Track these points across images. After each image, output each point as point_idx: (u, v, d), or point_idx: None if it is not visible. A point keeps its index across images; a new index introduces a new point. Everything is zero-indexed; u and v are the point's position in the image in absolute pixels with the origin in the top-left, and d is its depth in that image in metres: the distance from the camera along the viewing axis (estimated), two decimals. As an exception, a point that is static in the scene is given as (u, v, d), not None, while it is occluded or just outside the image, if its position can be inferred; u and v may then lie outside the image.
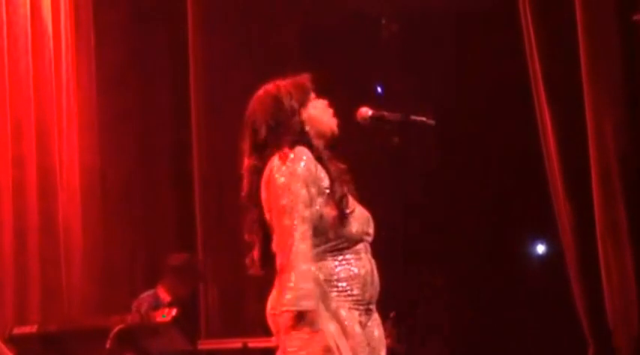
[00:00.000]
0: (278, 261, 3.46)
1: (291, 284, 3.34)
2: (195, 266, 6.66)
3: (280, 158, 3.49)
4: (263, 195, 3.55)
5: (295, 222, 3.39)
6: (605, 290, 5.42)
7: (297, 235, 3.38)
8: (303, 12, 7.55)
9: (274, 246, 3.50)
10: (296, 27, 7.52)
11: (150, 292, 6.46)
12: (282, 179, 3.46)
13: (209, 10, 7.30)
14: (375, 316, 3.64)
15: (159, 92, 7.60)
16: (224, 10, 7.34)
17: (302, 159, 3.49)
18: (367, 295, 3.55)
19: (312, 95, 3.68)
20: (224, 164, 7.13)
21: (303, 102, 3.64)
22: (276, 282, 3.51)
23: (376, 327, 3.61)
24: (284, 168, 3.47)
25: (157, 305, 6.11)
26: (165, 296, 6.45)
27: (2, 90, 6.25)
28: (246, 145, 3.63)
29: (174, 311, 5.54)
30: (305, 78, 3.71)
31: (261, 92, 3.68)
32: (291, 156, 3.49)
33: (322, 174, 3.53)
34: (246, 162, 3.62)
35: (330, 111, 3.69)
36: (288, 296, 3.33)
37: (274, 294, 3.52)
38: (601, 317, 5.45)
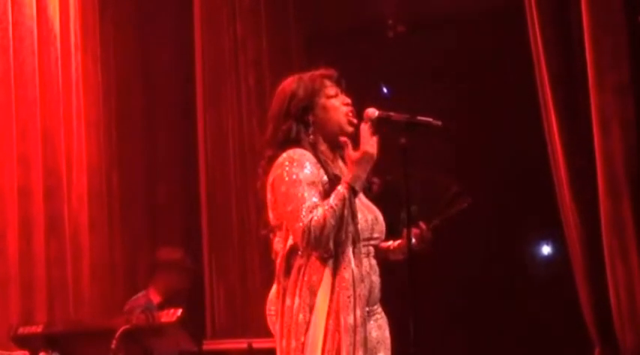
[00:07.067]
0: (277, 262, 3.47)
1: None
2: (185, 262, 6.61)
3: (285, 163, 3.50)
4: (268, 195, 3.55)
5: (304, 213, 3.39)
6: (611, 291, 5.42)
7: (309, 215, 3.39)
8: (310, 12, 7.55)
9: (275, 245, 3.50)
10: (303, 27, 7.51)
11: (142, 293, 6.44)
12: (284, 187, 3.46)
13: (215, 11, 7.30)
14: (377, 317, 3.63)
15: (165, 92, 7.60)
16: (230, 10, 7.33)
17: (304, 165, 3.49)
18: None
19: (329, 91, 3.66)
20: (231, 163, 7.13)
21: (312, 98, 3.63)
22: (275, 283, 3.52)
23: (375, 329, 3.60)
24: (287, 174, 3.47)
25: (148, 307, 6.09)
26: (155, 297, 6.41)
27: (8, 90, 6.24)
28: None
29: (179, 312, 5.54)
30: (325, 73, 3.70)
31: (280, 86, 3.69)
32: (295, 164, 3.49)
33: (325, 175, 3.54)
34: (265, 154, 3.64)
35: (346, 109, 3.68)
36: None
37: (271, 296, 3.53)
38: (607, 317, 5.45)
